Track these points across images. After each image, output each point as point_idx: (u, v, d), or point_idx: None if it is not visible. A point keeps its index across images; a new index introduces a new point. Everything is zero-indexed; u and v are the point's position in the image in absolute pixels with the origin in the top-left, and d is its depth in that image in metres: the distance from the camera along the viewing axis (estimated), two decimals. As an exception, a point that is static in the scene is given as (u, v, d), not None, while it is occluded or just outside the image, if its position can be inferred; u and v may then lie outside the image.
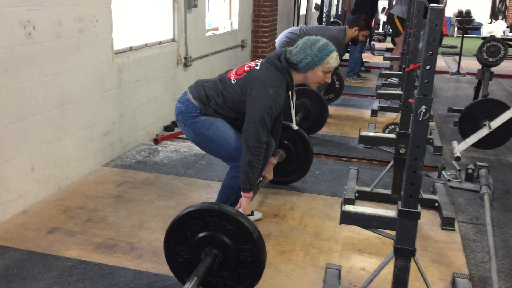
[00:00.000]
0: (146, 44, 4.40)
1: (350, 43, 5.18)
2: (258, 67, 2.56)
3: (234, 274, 2.16)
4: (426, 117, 1.93)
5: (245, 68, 2.59)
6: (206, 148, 2.73)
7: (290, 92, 2.64)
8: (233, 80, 2.58)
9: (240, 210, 2.50)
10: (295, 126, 2.90)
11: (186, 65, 4.97)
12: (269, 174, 3.03)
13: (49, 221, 2.91)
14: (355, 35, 4.90)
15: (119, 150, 4.03)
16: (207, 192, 3.39)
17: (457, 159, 4.07)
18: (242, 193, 2.53)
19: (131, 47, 4.16)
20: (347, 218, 2.14)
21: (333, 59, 2.55)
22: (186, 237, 2.16)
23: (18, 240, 2.69)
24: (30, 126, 3.03)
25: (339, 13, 8.45)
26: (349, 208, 2.15)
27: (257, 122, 2.43)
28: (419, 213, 2.01)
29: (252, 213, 3.02)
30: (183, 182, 3.54)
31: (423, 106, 1.92)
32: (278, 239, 2.81)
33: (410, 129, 2.00)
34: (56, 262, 2.49)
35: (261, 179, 2.96)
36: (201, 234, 2.13)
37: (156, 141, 4.41)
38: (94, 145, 3.69)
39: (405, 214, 2.03)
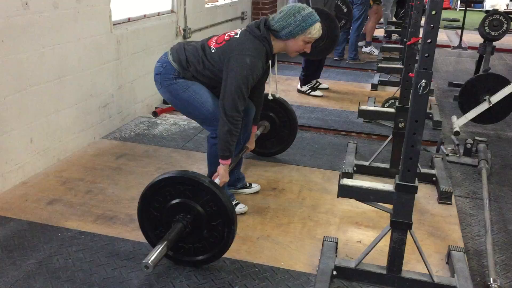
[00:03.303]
0: (145, 16, 4.34)
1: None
2: (238, 36, 2.51)
3: (205, 241, 2.24)
4: (425, 92, 1.92)
5: (225, 37, 2.54)
6: (182, 111, 2.71)
7: (270, 61, 2.61)
8: (213, 49, 2.54)
9: (218, 179, 2.51)
10: (271, 96, 2.91)
11: (185, 37, 4.91)
12: (250, 145, 3.00)
13: (48, 192, 2.93)
14: None
15: (118, 122, 4.03)
16: (205, 165, 3.37)
17: (456, 133, 4.07)
18: (220, 160, 2.52)
19: (129, 18, 4.11)
20: (345, 192, 2.16)
21: (316, 30, 2.50)
22: (160, 203, 2.23)
23: (18, 210, 2.72)
24: (28, 97, 3.02)
25: None
26: (347, 182, 2.16)
27: (234, 91, 2.41)
28: (416, 187, 2.03)
29: (250, 186, 3.05)
30: (182, 155, 3.55)
31: (423, 80, 1.91)
32: (276, 212, 2.83)
33: (409, 103, 1.99)
34: (56, 233, 2.52)
35: (243, 149, 2.91)
36: (174, 201, 2.20)
37: (155, 113, 4.40)
38: (93, 117, 3.68)
39: (402, 188, 2.04)
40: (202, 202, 2.18)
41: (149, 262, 1.96)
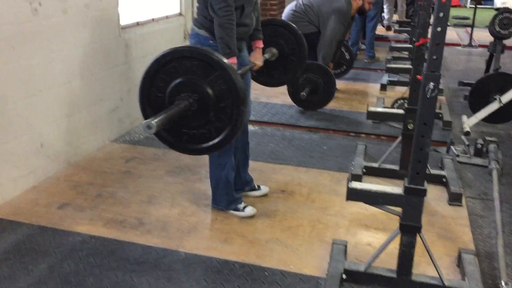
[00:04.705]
0: (153, 19, 4.36)
1: (358, 14, 5.08)
2: None
3: (211, 125, 2.11)
4: (434, 94, 1.91)
5: None
6: None
7: None
8: None
9: None
10: None
11: (193, 39, 4.92)
12: (258, 60, 2.85)
13: (59, 197, 2.95)
14: (360, 5, 4.80)
15: (127, 125, 4.05)
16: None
17: (467, 133, 4.04)
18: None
19: (137, 22, 4.13)
20: (354, 195, 2.15)
21: None
22: (164, 82, 2.09)
23: (29, 215, 2.74)
24: (39, 102, 3.04)
25: None
26: (355, 185, 2.15)
27: None
28: (425, 190, 2.02)
29: (259, 188, 3.05)
30: (191, 158, 3.56)
31: (431, 83, 1.90)
32: (285, 214, 2.83)
33: (418, 106, 1.98)
34: (67, 237, 2.54)
35: (251, 65, 2.81)
36: (179, 79, 2.07)
37: (164, 116, 4.40)
38: (103, 121, 3.71)
39: (411, 191, 2.03)
40: (210, 80, 2.04)
41: (153, 122, 1.82)
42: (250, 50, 2.87)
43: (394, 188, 2.11)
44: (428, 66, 1.90)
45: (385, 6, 9.32)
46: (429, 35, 3.01)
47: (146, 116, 2.17)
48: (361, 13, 4.95)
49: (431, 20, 2.85)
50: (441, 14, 1.85)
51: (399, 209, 2.12)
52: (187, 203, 2.93)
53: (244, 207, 2.80)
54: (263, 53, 2.95)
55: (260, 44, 2.85)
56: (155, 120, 1.83)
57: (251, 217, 2.78)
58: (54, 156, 3.23)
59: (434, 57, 1.90)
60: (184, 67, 2.06)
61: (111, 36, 3.68)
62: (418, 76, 2.56)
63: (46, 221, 2.68)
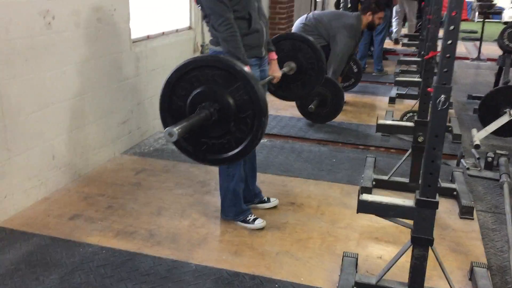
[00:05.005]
0: (163, 33, 4.41)
1: (368, 29, 5.11)
2: None
3: (231, 136, 2.10)
4: (445, 107, 1.91)
5: None
6: None
7: None
8: None
9: None
10: None
11: (203, 53, 4.96)
12: (275, 72, 2.84)
13: (70, 208, 2.97)
14: (370, 20, 4.83)
15: (137, 138, 4.08)
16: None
17: (477, 147, 4.02)
18: None
19: (148, 36, 4.18)
20: (364, 207, 2.14)
21: None
22: (185, 90, 2.09)
23: (41, 226, 2.76)
24: (51, 114, 3.08)
25: None
26: (366, 197, 2.15)
27: (211, 2, 2.43)
28: (437, 203, 2.01)
29: (268, 200, 3.05)
30: (201, 170, 3.57)
31: (442, 95, 1.90)
32: (295, 227, 2.82)
33: (428, 118, 1.98)
34: (78, 248, 2.55)
35: (269, 77, 2.81)
36: (200, 88, 2.06)
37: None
38: (113, 133, 3.74)
39: (423, 204, 2.02)
40: (231, 90, 2.04)
41: (175, 129, 1.81)
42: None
43: (406, 200, 2.10)
44: (439, 79, 1.91)
45: (393, 20, 9.37)
46: (438, 49, 3.04)
47: (166, 125, 2.17)
48: (371, 28, 4.97)
49: (440, 34, 2.87)
50: (452, 27, 1.86)
51: (410, 222, 2.11)
52: (197, 215, 2.93)
53: (254, 219, 2.80)
54: (282, 67, 2.97)
55: (273, 55, 2.86)
56: (177, 128, 1.83)
57: (261, 229, 2.77)
58: (65, 167, 3.26)
59: (445, 69, 1.90)
60: (205, 76, 2.06)
61: (123, 49, 3.73)
62: (429, 89, 2.56)
63: (57, 232, 2.70)
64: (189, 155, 2.23)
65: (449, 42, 1.88)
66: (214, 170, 3.57)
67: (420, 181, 2.04)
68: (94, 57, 3.42)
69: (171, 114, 2.17)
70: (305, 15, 4.92)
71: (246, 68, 2.34)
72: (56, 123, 3.14)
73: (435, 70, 2.11)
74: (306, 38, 3.17)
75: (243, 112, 2.07)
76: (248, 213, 2.82)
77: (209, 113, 2.04)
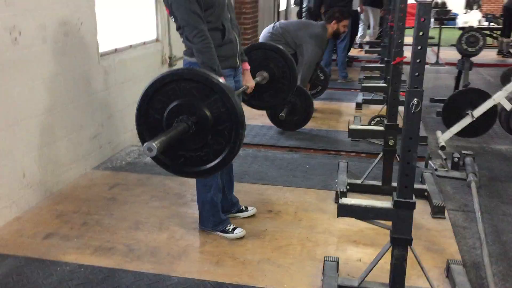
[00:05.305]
0: (131, 46, 4.38)
1: (333, 38, 5.22)
2: None
3: (209, 148, 2.11)
4: (418, 109, 1.98)
5: None
6: None
7: None
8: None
9: None
10: None
11: (171, 65, 4.95)
12: (249, 82, 2.88)
13: (44, 227, 2.90)
14: (335, 29, 4.95)
15: (109, 152, 4.02)
16: (200, 191, 3.41)
17: (442, 148, 4.16)
18: None
19: (116, 49, 4.14)
20: (345, 211, 2.18)
21: None
22: (162, 103, 2.09)
23: (14, 246, 2.68)
24: (20, 131, 3.01)
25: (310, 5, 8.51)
26: (346, 201, 2.19)
27: (185, 14, 2.43)
28: (414, 203, 2.07)
29: (246, 209, 3.06)
30: (175, 182, 3.55)
31: (415, 99, 1.97)
32: (274, 234, 2.84)
33: (403, 121, 2.04)
34: (55, 267, 2.49)
35: (243, 88, 2.84)
36: (177, 101, 2.07)
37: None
38: (84, 148, 3.67)
39: (401, 205, 2.08)
40: (209, 103, 2.05)
41: (154, 144, 1.81)
42: None
43: (384, 202, 2.16)
44: (411, 83, 1.98)
45: (360, 25, 9.59)
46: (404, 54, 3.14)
47: (142, 138, 2.17)
48: (337, 36, 5.09)
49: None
50: (421, 33, 1.94)
51: (388, 223, 2.17)
52: (175, 227, 2.91)
53: (233, 229, 2.80)
54: (254, 76, 3.00)
55: (246, 66, 2.89)
56: (156, 142, 1.83)
57: (241, 238, 2.78)
58: (36, 185, 3.18)
59: (416, 74, 1.98)
60: (182, 89, 2.07)
61: (91, 63, 3.68)
62: (402, 93, 2.64)
63: (32, 252, 2.63)
64: (167, 168, 2.22)
65: (419, 47, 1.96)
66: (189, 181, 3.56)
67: (397, 182, 2.10)
68: (63, 72, 3.36)
69: (147, 127, 2.17)
70: (272, 25, 4.99)
71: (221, 80, 2.36)
72: (25, 140, 3.06)
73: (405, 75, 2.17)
74: (278, 48, 3.21)
75: (220, 124, 2.08)
76: (227, 223, 2.82)
77: (187, 126, 2.05)
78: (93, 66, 3.71)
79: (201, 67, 2.48)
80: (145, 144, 1.85)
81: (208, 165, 2.15)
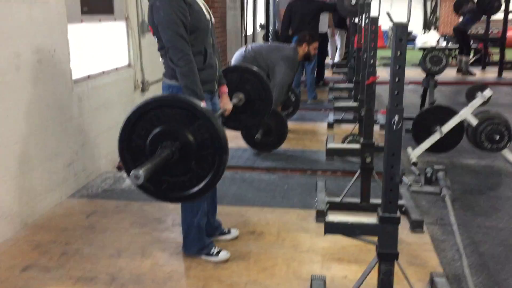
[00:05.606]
0: (103, 72, 4.35)
1: (304, 60, 5.32)
2: None
3: (192, 173, 2.12)
4: (399, 126, 2.05)
5: None
6: None
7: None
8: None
9: None
10: None
11: (143, 90, 4.94)
12: (226, 105, 2.90)
13: (21, 259, 2.81)
14: (306, 51, 5.07)
15: (84, 180, 3.94)
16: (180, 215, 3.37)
17: (414, 164, 4.29)
18: None
19: (89, 76, 4.10)
20: (332, 228, 2.21)
21: None
22: (145, 129, 2.11)
23: (-9, 281, 2.59)
24: (-6, 162, 2.93)
25: (276, 29, 8.69)
26: (332, 218, 2.22)
27: (171, 36, 2.44)
28: (399, 218, 2.12)
29: (229, 231, 3.06)
30: (155, 207, 3.51)
31: (396, 116, 2.04)
32: (259, 255, 2.84)
33: (384, 138, 2.10)
34: (36, 300, 2.41)
35: (221, 110, 2.86)
36: (161, 127, 2.08)
37: (120, 168, 4.35)
38: (59, 176, 3.60)
39: (386, 220, 2.12)
40: (192, 129, 2.07)
41: (141, 172, 1.82)
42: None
43: (369, 218, 2.20)
44: (392, 101, 2.05)
45: (329, 47, 9.82)
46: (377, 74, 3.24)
47: (125, 163, 2.17)
48: (307, 58, 5.19)
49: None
50: (399, 53, 2.01)
51: (374, 239, 2.20)
52: (158, 253, 2.87)
53: (218, 252, 2.78)
54: (231, 98, 3.03)
55: (225, 89, 2.92)
56: (142, 170, 1.84)
57: (226, 261, 2.76)
58: (12, 216, 3.08)
59: (396, 92, 2.05)
60: (166, 115, 2.08)
61: (64, 90, 3.64)
62: (382, 111, 2.72)
63: (10, 286, 2.54)
64: (150, 194, 2.22)
65: (397, 67, 2.03)
66: (169, 206, 3.53)
67: (381, 198, 2.15)
68: (37, 100, 3.31)
69: (129, 153, 2.17)
70: (244, 48, 5.06)
71: (203, 104, 2.38)
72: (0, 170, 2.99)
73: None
74: (253, 70, 3.26)
75: (204, 150, 2.11)
76: (211, 246, 2.80)
77: (171, 152, 2.06)
78: (66, 93, 3.66)
79: (183, 90, 2.50)
80: (131, 172, 1.86)
81: (192, 190, 2.17)
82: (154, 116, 2.10)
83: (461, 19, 10.31)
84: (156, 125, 2.11)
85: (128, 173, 2.16)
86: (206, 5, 2.70)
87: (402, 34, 1.98)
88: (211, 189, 2.20)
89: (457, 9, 10.60)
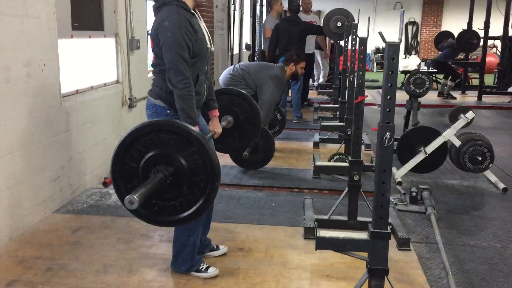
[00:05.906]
0: (92, 87, 4.35)
1: (292, 79, 5.39)
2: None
3: (184, 198, 2.15)
4: (390, 143, 2.09)
5: None
6: None
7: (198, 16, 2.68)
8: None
9: None
10: None
11: (131, 106, 4.94)
12: (216, 128, 2.91)
13: (5, 274, 2.75)
14: (294, 71, 5.14)
15: (69, 195, 3.90)
16: (168, 231, 3.35)
17: (399, 183, 4.35)
18: None
19: (77, 90, 4.09)
20: (323, 244, 2.23)
21: None
22: (139, 152, 2.14)
23: (-26, 296, 2.53)
24: (-20, 174, 2.89)
25: (263, 49, 8.80)
26: (324, 234, 2.24)
27: (174, 58, 2.45)
28: (389, 234, 2.16)
29: (217, 248, 3.04)
30: (141, 223, 3.37)
31: (388, 133, 2.08)
32: (248, 272, 2.83)
33: (375, 155, 2.14)
34: (21, 316, 2.36)
35: (211, 133, 2.86)
36: (155, 151, 2.11)
37: (105, 184, 4.31)
38: (44, 191, 3.55)
39: (377, 236, 2.16)
40: (186, 154, 2.10)
41: (135, 197, 1.84)
42: (206, 118, 2.95)
43: (360, 234, 2.23)
44: (383, 118, 2.10)
45: (315, 70, 9.98)
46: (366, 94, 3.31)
47: (116, 185, 2.20)
48: (295, 77, 5.27)
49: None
50: (391, 72, 2.07)
51: (365, 254, 2.23)
52: (145, 269, 2.84)
53: (207, 268, 2.77)
54: (220, 121, 3.06)
55: (216, 113, 2.95)
56: (137, 195, 1.87)
57: (215, 277, 2.75)
58: (-4, 231, 3.03)
59: (387, 109, 2.10)
60: (161, 139, 2.12)
61: (53, 104, 3.62)
62: (373, 128, 2.77)
63: (-5, 301, 2.48)
64: (140, 217, 2.24)
65: (389, 85, 2.09)
66: (156, 222, 3.50)
67: (372, 214, 2.18)
68: (25, 113, 3.29)
69: (122, 175, 2.20)
70: (232, 66, 5.12)
71: (196, 129, 2.41)
72: (-15, 183, 2.94)
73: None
74: (242, 93, 3.32)
75: (196, 176, 2.14)
76: (200, 262, 2.79)
77: (164, 176, 2.09)
78: (55, 107, 3.64)
79: (179, 113, 2.52)
80: (126, 198, 1.89)
81: (182, 215, 2.20)
82: (149, 140, 2.14)
83: (439, 53, 10.73)
84: (150, 148, 2.14)
85: (118, 192, 2.19)
86: (209, 33, 2.74)
87: (394, 53, 2.05)
88: (201, 214, 2.23)
89: (437, 43, 11.02)
